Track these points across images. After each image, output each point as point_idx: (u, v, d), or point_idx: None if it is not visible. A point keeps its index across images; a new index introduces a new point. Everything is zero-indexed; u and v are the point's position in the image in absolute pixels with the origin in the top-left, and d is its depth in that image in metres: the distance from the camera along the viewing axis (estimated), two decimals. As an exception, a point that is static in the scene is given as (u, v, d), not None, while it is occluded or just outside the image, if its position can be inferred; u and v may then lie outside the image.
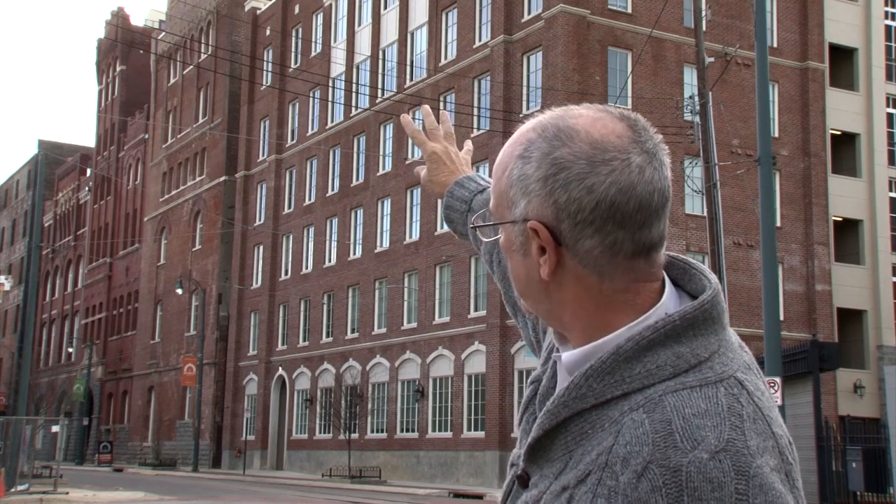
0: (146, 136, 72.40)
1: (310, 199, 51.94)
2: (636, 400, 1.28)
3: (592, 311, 1.37)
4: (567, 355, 1.39)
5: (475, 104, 40.95)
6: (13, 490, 26.89)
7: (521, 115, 37.91)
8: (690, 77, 36.56)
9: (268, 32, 57.20)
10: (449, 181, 2.15)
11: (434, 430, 41.01)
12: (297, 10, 55.00)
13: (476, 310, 39.41)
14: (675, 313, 1.33)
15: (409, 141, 44.80)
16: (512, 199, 1.40)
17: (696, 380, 1.29)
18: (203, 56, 62.03)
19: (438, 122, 2.23)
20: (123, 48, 76.92)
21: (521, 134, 1.42)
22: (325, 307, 49.46)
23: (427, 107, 2.22)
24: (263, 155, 56.77)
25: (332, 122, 50.68)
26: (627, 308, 1.36)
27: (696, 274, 1.41)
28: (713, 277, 1.40)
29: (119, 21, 77.10)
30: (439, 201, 2.54)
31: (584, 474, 1.29)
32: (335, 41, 51.40)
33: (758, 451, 1.24)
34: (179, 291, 58.07)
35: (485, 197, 2.04)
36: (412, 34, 46.03)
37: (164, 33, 69.16)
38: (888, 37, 43.91)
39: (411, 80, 45.36)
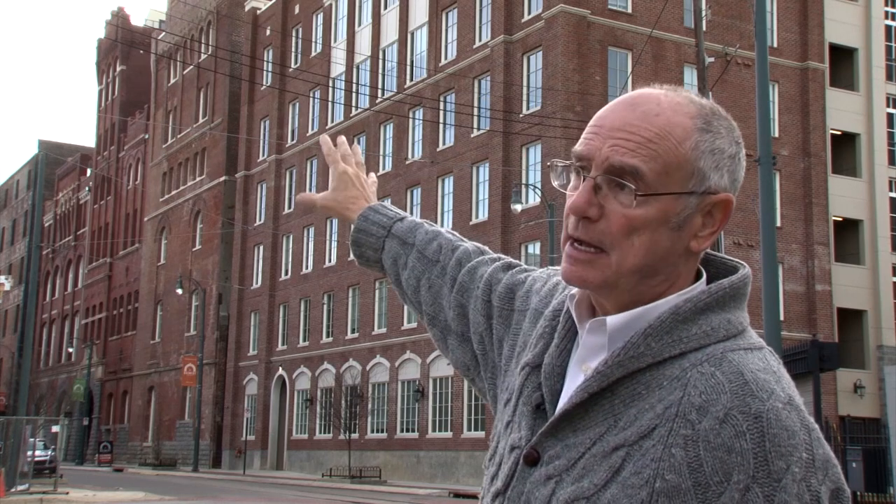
0: (146, 136, 72.40)
1: (310, 199, 51.87)
2: (696, 357, 1.35)
3: (688, 279, 1.44)
4: (613, 318, 1.40)
5: (475, 104, 40.93)
6: (13, 490, 26.88)
7: (520, 115, 37.91)
8: (690, 77, 36.56)
9: (268, 32, 57.20)
10: (357, 204, 2.02)
11: (434, 430, 41.01)
12: (297, 10, 54.99)
13: (476, 310, 39.36)
14: (724, 281, 1.41)
15: (410, 141, 44.83)
16: (701, 171, 1.38)
17: (745, 343, 1.37)
18: (203, 56, 62.00)
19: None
20: (123, 48, 76.92)
21: (684, 105, 1.40)
22: (325, 307, 49.45)
23: (343, 137, 2.14)
24: (263, 155, 56.77)
25: (332, 122, 50.67)
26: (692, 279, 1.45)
27: (718, 259, 1.49)
28: (743, 263, 1.48)
29: (119, 21, 77.09)
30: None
31: (647, 429, 1.32)
32: (335, 41, 51.40)
33: (806, 412, 1.33)
34: (179, 291, 58.04)
35: (406, 225, 1.94)
36: (412, 34, 46.02)
37: (164, 33, 69.12)
38: (888, 37, 43.90)
39: (411, 80, 45.35)
